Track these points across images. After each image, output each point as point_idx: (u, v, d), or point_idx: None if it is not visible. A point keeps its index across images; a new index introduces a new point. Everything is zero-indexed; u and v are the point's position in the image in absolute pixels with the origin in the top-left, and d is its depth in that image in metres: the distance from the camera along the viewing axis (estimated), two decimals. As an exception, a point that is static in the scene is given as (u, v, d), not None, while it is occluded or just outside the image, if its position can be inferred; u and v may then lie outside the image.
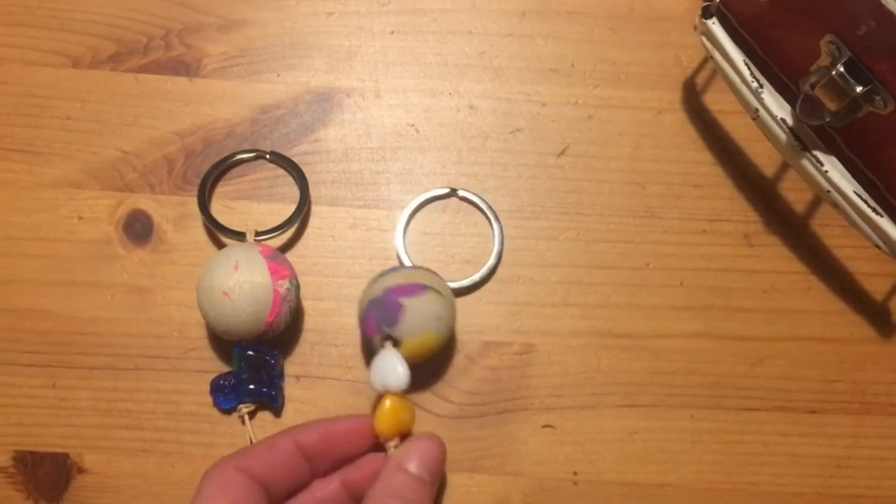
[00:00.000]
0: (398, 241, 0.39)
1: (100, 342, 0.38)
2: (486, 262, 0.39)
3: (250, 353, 0.36)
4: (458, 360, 0.39)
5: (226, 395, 0.37)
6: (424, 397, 0.38)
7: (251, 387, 0.37)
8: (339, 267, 0.39)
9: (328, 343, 0.38)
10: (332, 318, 0.38)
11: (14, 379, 0.38)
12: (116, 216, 0.39)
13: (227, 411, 0.37)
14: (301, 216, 0.39)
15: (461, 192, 0.40)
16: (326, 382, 0.38)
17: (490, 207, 0.40)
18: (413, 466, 0.33)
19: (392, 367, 0.35)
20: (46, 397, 0.37)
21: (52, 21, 0.41)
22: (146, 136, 0.40)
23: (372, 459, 0.35)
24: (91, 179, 0.40)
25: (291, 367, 0.38)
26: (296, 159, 0.40)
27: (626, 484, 0.38)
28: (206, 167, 0.40)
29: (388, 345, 0.35)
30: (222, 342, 0.37)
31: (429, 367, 0.38)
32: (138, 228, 0.39)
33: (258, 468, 0.33)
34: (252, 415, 0.37)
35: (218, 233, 0.39)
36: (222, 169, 0.40)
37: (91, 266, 0.39)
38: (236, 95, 0.41)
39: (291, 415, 0.38)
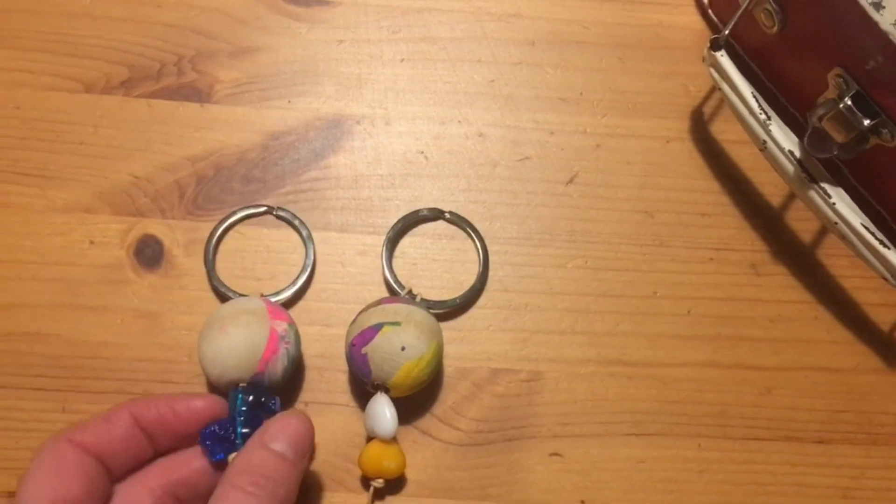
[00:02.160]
0: (384, 267, 0.39)
1: (109, 366, 0.38)
2: (480, 286, 0.40)
3: (249, 396, 0.34)
4: (466, 386, 0.39)
5: (220, 444, 0.33)
6: (432, 424, 0.38)
7: (244, 431, 0.34)
8: (348, 293, 0.39)
9: (336, 369, 0.39)
10: (340, 345, 0.38)
11: (24, 403, 0.38)
12: (127, 241, 0.40)
13: (220, 462, 0.34)
14: (307, 277, 0.39)
15: (448, 215, 0.40)
16: (334, 408, 0.38)
17: (473, 228, 0.40)
18: (275, 443, 0.32)
19: (381, 415, 0.36)
20: (56, 421, 0.37)
21: (65, 46, 0.42)
22: (158, 161, 0.41)
23: (160, 398, 0.34)
24: (103, 204, 0.40)
25: (299, 393, 0.38)
26: (305, 185, 0.41)
27: (632, 513, 0.38)
28: (216, 192, 0.40)
29: (379, 392, 0.36)
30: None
31: (436, 394, 0.38)
32: (149, 253, 0.39)
33: (93, 441, 0.31)
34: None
35: (227, 294, 0.38)
36: (227, 226, 0.40)
37: (101, 290, 0.39)
38: (247, 121, 0.41)
39: (299, 441, 0.38)
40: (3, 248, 0.39)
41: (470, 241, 0.40)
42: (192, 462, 0.34)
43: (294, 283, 0.39)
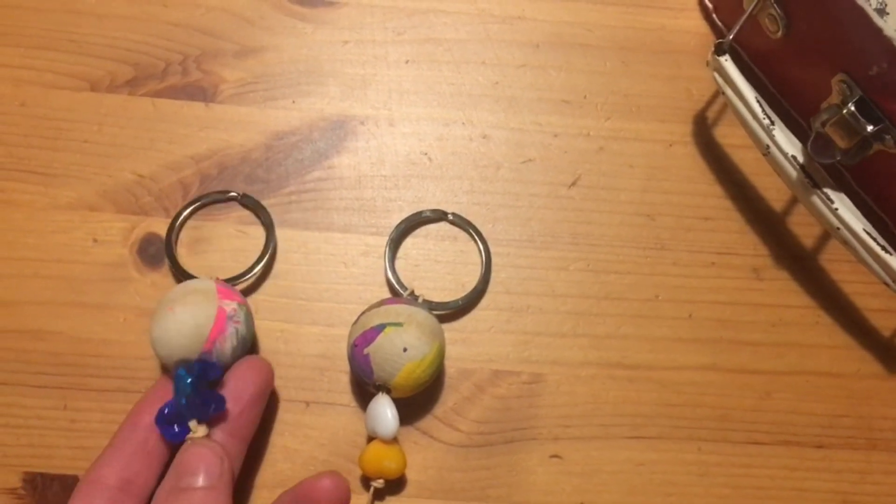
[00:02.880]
0: (386, 267, 0.39)
1: (111, 364, 0.38)
2: (483, 288, 0.40)
3: (193, 373, 0.34)
4: (467, 388, 0.39)
5: (171, 422, 0.34)
6: (433, 425, 0.38)
7: (197, 402, 0.34)
8: (350, 293, 0.39)
9: (338, 369, 0.39)
10: (342, 345, 0.38)
11: (25, 400, 0.38)
12: (131, 239, 0.40)
13: (178, 443, 0.34)
14: (263, 263, 0.39)
15: (451, 216, 0.40)
16: (336, 408, 0.38)
17: (476, 230, 0.40)
18: (191, 479, 0.32)
19: (382, 415, 0.36)
20: (57, 419, 0.38)
21: (70, 45, 0.42)
22: (162, 160, 0.41)
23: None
24: (106, 202, 0.40)
25: (301, 392, 0.38)
26: (309, 186, 0.41)
27: (632, 516, 0.38)
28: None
29: (381, 393, 0.36)
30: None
31: (437, 396, 0.38)
32: (152, 252, 0.39)
33: None
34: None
35: (183, 278, 0.39)
36: (194, 208, 0.40)
37: (104, 288, 0.39)
38: (252, 121, 0.41)
39: (300, 441, 0.38)
40: (5, 246, 0.39)
41: (472, 242, 0.40)
42: None
43: (251, 269, 0.39)
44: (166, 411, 0.34)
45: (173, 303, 0.35)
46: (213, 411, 0.34)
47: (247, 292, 0.39)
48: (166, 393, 0.34)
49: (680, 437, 0.39)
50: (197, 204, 0.40)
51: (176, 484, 0.33)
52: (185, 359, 0.34)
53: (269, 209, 0.40)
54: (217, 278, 0.37)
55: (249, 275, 0.39)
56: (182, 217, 0.40)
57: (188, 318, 0.34)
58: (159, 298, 0.36)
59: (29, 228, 0.40)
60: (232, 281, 0.38)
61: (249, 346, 0.37)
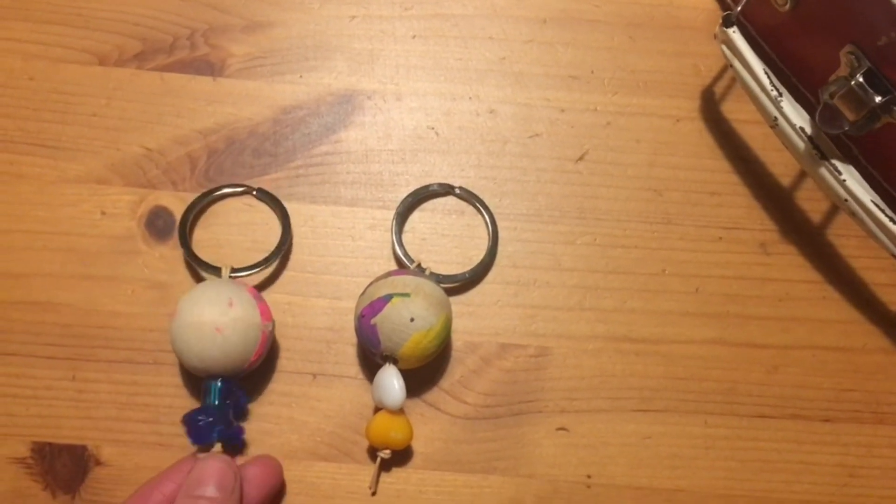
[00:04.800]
0: (393, 241, 0.39)
1: (119, 336, 0.38)
2: (489, 262, 0.40)
3: (227, 389, 0.36)
4: (474, 361, 0.39)
5: (203, 431, 0.35)
6: (440, 397, 0.38)
7: (220, 427, 0.36)
8: (357, 266, 0.40)
9: (345, 342, 0.39)
10: (349, 318, 0.39)
11: (34, 371, 0.38)
12: (139, 212, 0.40)
13: (205, 447, 0.36)
14: (280, 255, 0.39)
15: (458, 190, 0.40)
16: (343, 381, 0.38)
17: (483, 204, 0.40)
18: (205, 489, 0.33)
19: (389, 386, 0.36)
20: (66, 389, 0.38)
21: (79, 19, 0.42)
22: (170, 133, 0.41)
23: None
24: (115, 175, 0.40)
25: (308, 364, 0.38)
26: (316, 160, 0.41)
27: (639, 488, 0.38)
28: (227, 165, 0.40)
29: (388, 364, 0.36)
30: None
31: (444, 368, 0.38)
32: (160, 225, 0.40)
33: None
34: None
35: (195, 266, 0.39)
36: (206, 202, 0.40)
37: (112, 261, 0.39)
38: (259, 96, 0.41)
39: (307, 413, 0.38)
40: (15, 218, 0.40)
41: (479, 216, 0.40)
42: None
43: (267, 261, 0.39)
44: (200, 420, 0.35)
45: (222, 323, 0.35)
46: (235, 432, 0.36)
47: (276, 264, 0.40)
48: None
49: (686, 411, 0.39)
50: (209, 198, 0.40)
51: (189, 492, 0.33)
52: (221, 376, 0.36)
53: (278, 186, 0.40)
54: (232, 268, 0.38)
55: (263, 267, 0.39)
56: (196, 209, 0.39)
57: (238, 343, 0.35)
58: (174, 280, 0.36)
59: (38, 201, 0.40)
60: (245, 271, 0.38)
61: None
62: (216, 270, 0.38)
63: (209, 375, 0.36)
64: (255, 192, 0.40)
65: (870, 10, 0.33)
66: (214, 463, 0.34)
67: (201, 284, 0.37)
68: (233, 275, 0.38)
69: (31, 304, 0.39)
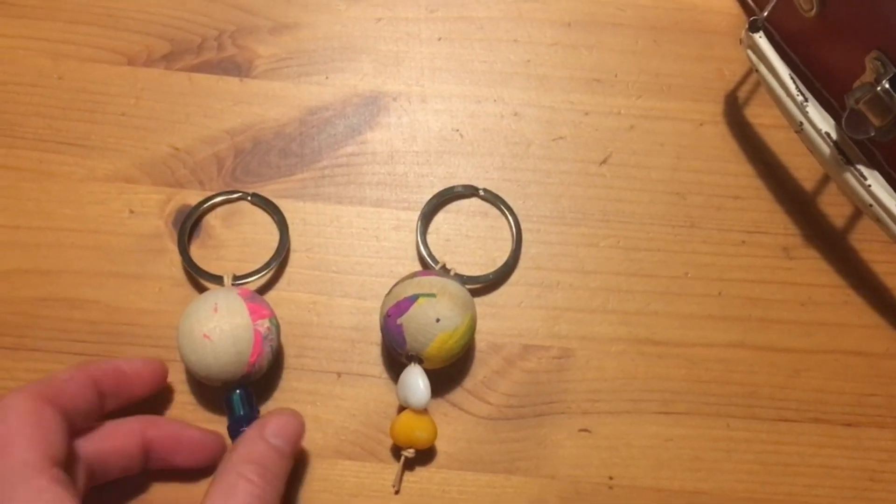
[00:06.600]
0: (418, 242, 0.40)
1: (147, 333, 0.39)
2: (513, 263, 0.40)
3: (247, 395, 0.36)
4: (497, 362, 0.39)
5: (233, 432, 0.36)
6: (463, 397, 0.39)
7: (250, 413, 0.36)
8: (382, 267, 0.40)
9: (370, 341, 0.39)
10: (373, 317, 0.39)
11: (62, 367, 0.38)
12: (166, 211, 0.40)
13: None
14: (279, 260, 0.39)
15: (482, 192, 0.41)
16: (367, 380, 0.39)
17: (507, 205, 0.40)
18: (273, 437, 0.34)
19: (414, 385, 0.36)
20: (94, 386, 0.38)
21: (108, 20, 0.42)
22: (197, 133, 0.41)
23: (172, 423, 0.36)
24: (143, 175, 0.41)
25: (333, 363, 0.39)
26: (342, 160, 0.41)
27: (660, 490, 0.38)
28: (254, 165, 0.41)
29: (413, 363, 0.36)
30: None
31: (468, 369, 0.39)
32: (187, 224, 0.40)
33: (61, 399, 0.32)
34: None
35: (196, 276, 0.39)
36: (204, 209, 0.40)
37: (140, 259, 0.40)
38: (285, 96, 0.42)
39: (332, 411, 0.38)
40: (44, 216, 0.40)
41: (503, 218, 0.41)
42: (120, 437, 0.34)
43: (266, 266, 0.39)
44: (236, 425, 0.36)
45: (206, 330, 0.35)
46: None
47: (278, 267, 0.40)
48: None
49: (708, 414, 0.39)
50: (207, 204, 0.40)
51: (259, 433, 0.34)
52: (227, 381, 0.36)
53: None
54: (234, 276, 0.38)
55: (261, 274, 0.39)
56: (193, 218, 0.40)
57: (228, 347, 0.35)
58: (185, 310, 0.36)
59: (67, 199, 0.40)
60: (244, 279, 0.38)
61: (279, 355, 0.38)
62: (218, 279, 0.38)
63: (222, 384, 0.36)
64: (249, 198, 0.40)
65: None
66: (293, 419, 0.35)
67: (197, 297, 0.37)
68: (236, 282, 0.38)
69: (59, 301, 0.39)
